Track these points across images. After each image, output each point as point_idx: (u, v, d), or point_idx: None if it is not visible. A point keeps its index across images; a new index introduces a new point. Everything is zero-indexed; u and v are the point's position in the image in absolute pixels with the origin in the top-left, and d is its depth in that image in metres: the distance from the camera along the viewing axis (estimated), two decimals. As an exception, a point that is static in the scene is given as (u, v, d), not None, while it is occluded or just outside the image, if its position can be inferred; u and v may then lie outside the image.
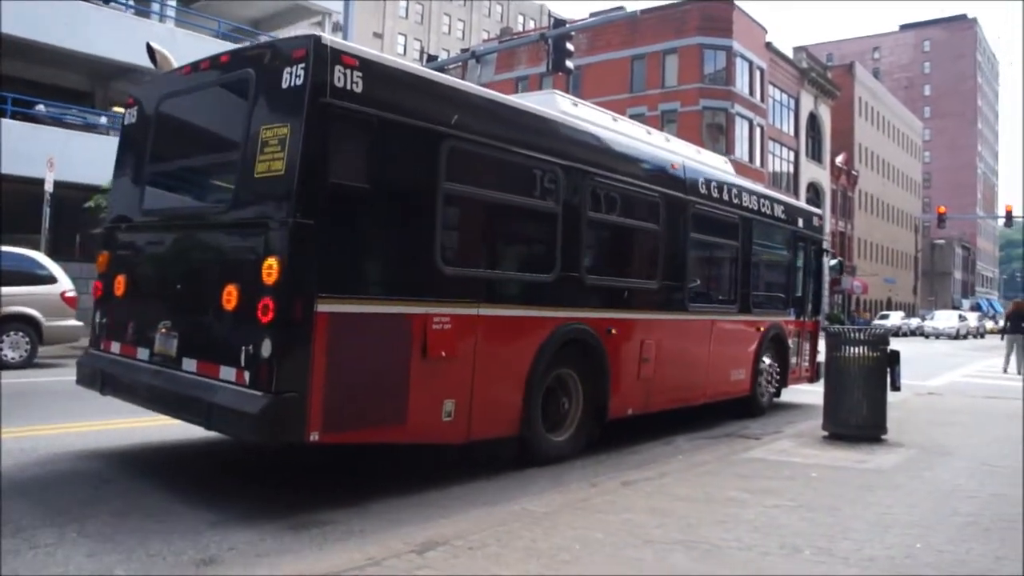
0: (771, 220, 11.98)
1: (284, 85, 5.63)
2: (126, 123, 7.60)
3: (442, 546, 4.63)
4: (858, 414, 8.90)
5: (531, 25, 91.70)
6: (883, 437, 8.97)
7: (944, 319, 60.84)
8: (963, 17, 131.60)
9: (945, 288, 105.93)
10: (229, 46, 27.45)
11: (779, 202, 12.45)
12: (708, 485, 6.51)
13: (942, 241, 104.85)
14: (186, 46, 26.16)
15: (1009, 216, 47.53)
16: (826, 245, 14.17)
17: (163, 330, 6.31)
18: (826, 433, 9.11)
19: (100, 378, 6.88)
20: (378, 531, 5.30)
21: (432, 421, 6.39)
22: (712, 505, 5.85)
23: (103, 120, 26.00)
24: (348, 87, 5.69)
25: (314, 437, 5.44)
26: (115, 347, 7.02)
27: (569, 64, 21.82)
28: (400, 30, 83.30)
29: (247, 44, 7.24)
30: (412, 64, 6.67)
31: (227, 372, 5.60)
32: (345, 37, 25.33)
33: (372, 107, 5.85)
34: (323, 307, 5.46)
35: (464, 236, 7.00)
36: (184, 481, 6.41)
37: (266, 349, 5.32)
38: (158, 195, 7.11)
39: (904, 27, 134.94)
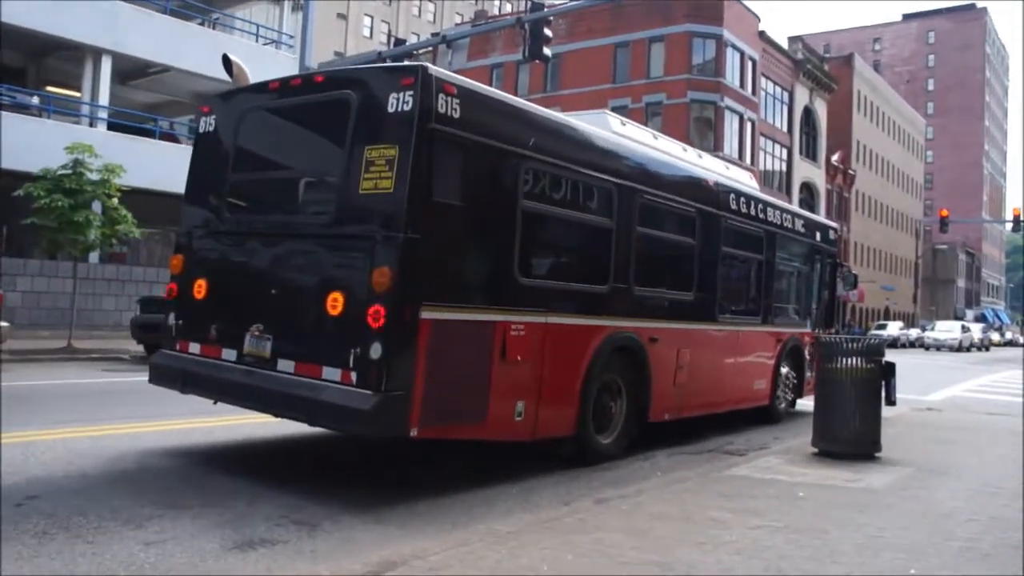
0: (792, 234, 13.34)
1: (391, 109, 6.52)
2: (202, 130, 8.37)
3: (400, 566, 4.63)
4: (850, 430, 8.97)
5: (507, 8, 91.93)
6: (877, 455, 9.05)
7: (946, 330, 61.54)
8: (971, 7, 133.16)
9: (947, 297, 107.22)
10: (177, 23, 27.34)
11: (799, 216, 13.88)
12: (688, 504, 6.55)
13: (944, 246, 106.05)
14: (133, 22, 25.96)
15: (1017, 220, 48.22)
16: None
17: (256, 332, 7.09)
18: (815, 450, 9.19)
19: (181, 377, 7.61)
20: (331, 551, 5.29)
21: (507, 420, 7.39)
22: (692, 525, 5.88)
23: (35, 100, 25.70)
24: (449, 113, 6.63)
25: (413, 432, 6.35)
26: (194, 348, 7.73)
27: (547, 51, 21.89)
28: (366, 11, 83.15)
29: (343, 68, 8.41)
30: (497, 91, 7.78)
31: (331, 372, 6.45)
32: (305, 18, 25.24)
33: (467, 131, 6.83)
34: (426, 314, 6.41)
35: (536, 250, 8.01)
36: (117, 499, 6.33)
37: (375, 352, 6.19)
38: (243, 203, 7.96)
39: (907, 17, 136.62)
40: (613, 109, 34.82)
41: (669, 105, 49.50)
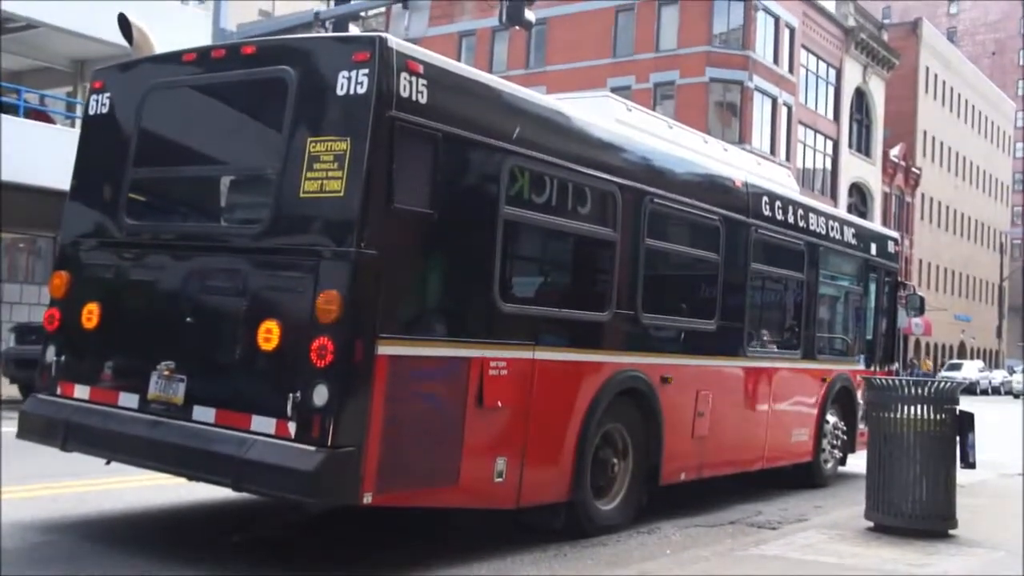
0: (840, 247, 13.60)
1: (340, 92, 6.59)
2: (92, 112, 8.34)
3: None
4: (915, 499, 8.92)
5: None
6: (951, 532, 9.00)
7: (1042, 372, 61.85)
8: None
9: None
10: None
11: (849, 224, 14.19)
12: (705, 594, 6.50)
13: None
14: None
15: None
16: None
17: (166, 372, 7.06)
18: (870, 523, 9.15)
19: (63, 430, 7.45)
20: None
21: (484, 482, 7.47)
22: (710, 622, 5.84)
23: None
24: (413, 98, 6.74)
25: (367, 499, 6.40)
26: (81, 391, 7.66)
27: (530, 15, 21.93)
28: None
29: (279, 37, 8.48)
30: (473, 69, 8.05)
31: (262, 423, 6.49)
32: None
33: (436, 120, 6.95)
34: (383, 349, 6.48)
35: (521, 268, 8.45)
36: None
37: (320, 397, 6.24)
38: (148, 207, 8.11)
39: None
40: (613, 90, 35.06)
41: (684, 85, 49.78)
